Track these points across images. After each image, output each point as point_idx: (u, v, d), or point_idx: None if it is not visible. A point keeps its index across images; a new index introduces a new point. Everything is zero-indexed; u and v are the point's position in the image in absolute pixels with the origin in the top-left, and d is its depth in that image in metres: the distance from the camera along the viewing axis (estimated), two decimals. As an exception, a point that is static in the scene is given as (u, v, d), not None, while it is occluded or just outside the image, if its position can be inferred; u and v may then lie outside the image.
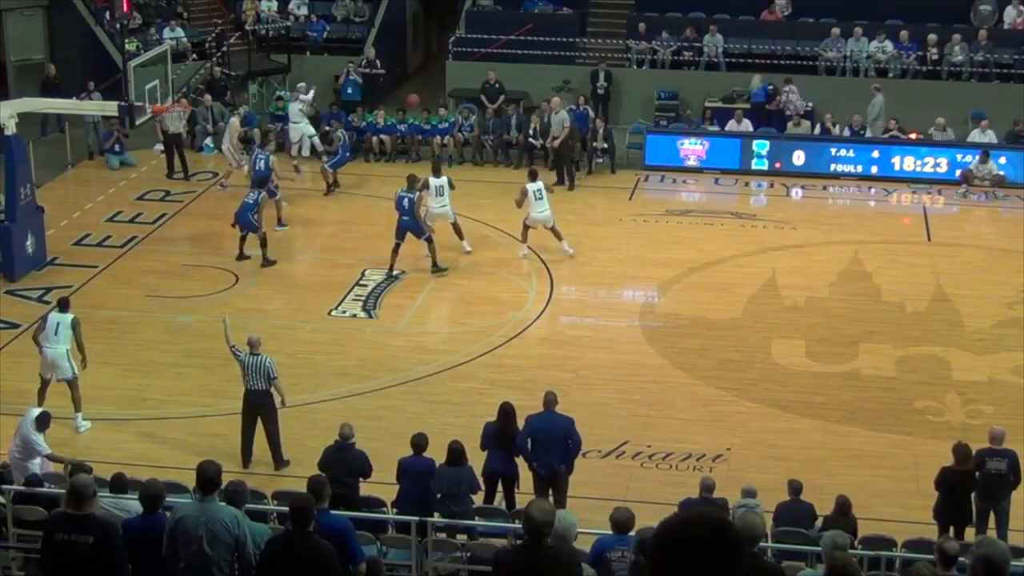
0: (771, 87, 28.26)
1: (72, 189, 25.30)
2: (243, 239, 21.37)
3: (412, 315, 19.83)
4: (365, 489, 13.50)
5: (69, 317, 16.51)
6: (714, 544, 4.19)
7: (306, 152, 26.74)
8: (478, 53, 29.52)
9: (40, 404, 16.04)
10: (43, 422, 14.21)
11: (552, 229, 21.72)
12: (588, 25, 30.53)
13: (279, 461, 15.42)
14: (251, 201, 21.25)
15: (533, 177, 21.85)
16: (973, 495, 13.58)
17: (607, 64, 28.71)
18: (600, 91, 28.31)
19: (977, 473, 13.57)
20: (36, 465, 13.85)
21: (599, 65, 28.62)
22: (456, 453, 13.47)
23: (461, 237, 21.80)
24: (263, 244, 21.22)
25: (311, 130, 26.49)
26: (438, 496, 13.29)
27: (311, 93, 26.78)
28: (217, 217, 22.96)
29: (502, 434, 14.03)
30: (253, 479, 14.00)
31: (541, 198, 21.47)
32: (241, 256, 21.42)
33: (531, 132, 26.59)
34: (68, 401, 16.47)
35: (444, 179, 21.66)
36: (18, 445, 14.00)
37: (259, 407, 15.37)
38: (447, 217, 21.68)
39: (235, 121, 25.22)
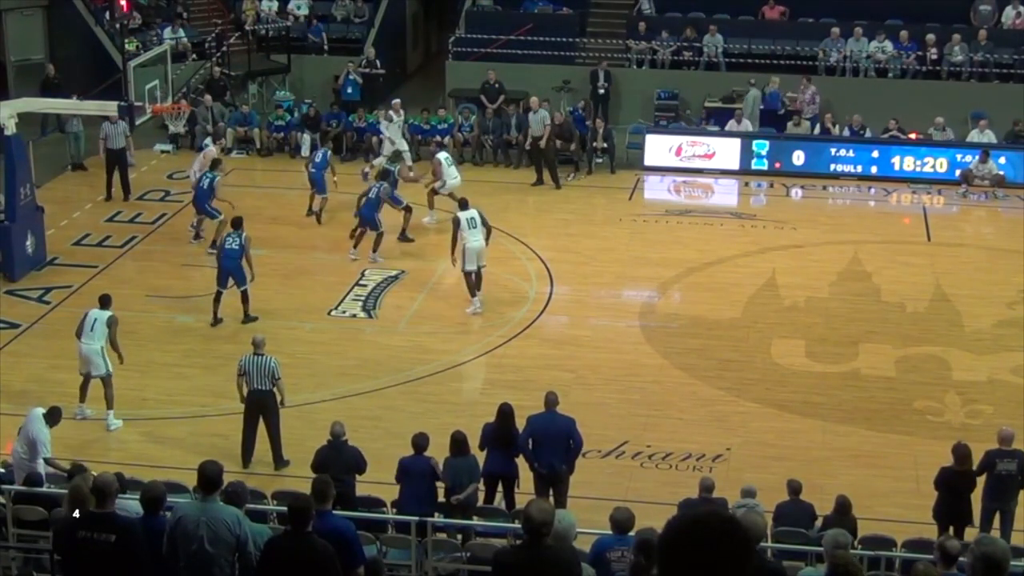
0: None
1: (72, 189, 25.29)
2: (218, 296, 19.34)
3: (412, 315, 19.83)
4: (365, 488, 13.52)
5: (106, 315, 16.56)
6: (722, 543, 4.19)
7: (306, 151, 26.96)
8: (478, 53, 29.53)
9: (82, 400, 16.57)
10: (53, 417, 14.17)
11: (477, 273, 19.58)
12: (588, 25, 30.54)
13: (279, 461, 15.44)
14: (236, 247, 19.15)
15: (464, 206, 19.97)
16: (973, 495, 13.58)
17: (607, 64, 28.72)
18: (600, 91, 28.32)
19: (986, 474, 13.57)
20: (42, 465, 13.81)
21: (599, 65, 28.63)
22: (460, 443, 13.54)
23: (473, 292, 19.72)
24: (244, 299, 19.31)
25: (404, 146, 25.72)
26: (446, 487, 13.33)
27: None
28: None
29: (501, 434, 14.04)
30: (253, 479, 14.01)
31: (475, 227, 19.53)
32: (215, 320, 19.37)
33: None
34: (69, 400, 16.46)
35: (474, 211, 19.77)
36: (24, 446, 13.93)
37: (263, 407, 15.39)
38: (482, 256, 19.58)
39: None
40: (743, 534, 4.21)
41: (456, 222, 19.50)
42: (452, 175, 22.94)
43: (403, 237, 22.40)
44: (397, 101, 26.24)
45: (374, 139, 27.21)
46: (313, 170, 23.52)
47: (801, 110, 27.42)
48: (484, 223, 19.60)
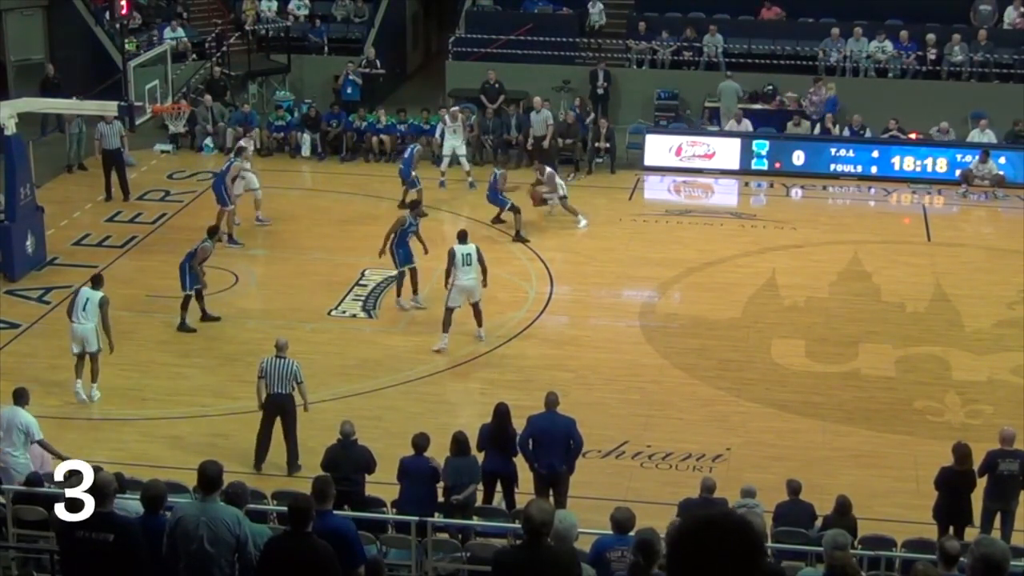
0: (770, 87, 28.27)
1: (72, 189, 25.28)
2: (198, 297, 19.30)
3: (412, 315, 19.81)
4: (365, 488, 13.51)
5: (98, 295, 16.92)
6: (732, 545, 4.18)
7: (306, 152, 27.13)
8: (478, 53, 29.53)
9: (78, 376, 16.87)
10: (23, 398, 14.02)
11: (475, 307, 18.59)
12: (588, 25, 30.54)
13: (293, 466, 15.36)
14: (192, 250, 19.20)
15: (463, 239, 18.72)
16: (974, 495, 13.58)
17: (606, 64, 28.72)
18: (600, 91, 28.33)
19: (987, 475, 13.56)
20: (26, 459, 13.65)
21: (598, 65, 28.64)
22: (461, 444, 13.54)
23: (447, 327, 18.58)
24: (183, 305, 19.01)
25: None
26: (446, 486, 13.33)
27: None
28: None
29: (498, 434, 14.04)
30: (253, 479, 14.01)
31: (469, 264, 18.42)
32: (207, 317, 19.29)
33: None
34: (69, 400, 16.61)
35: (472, 247, 18.60)
36: (10, 443, 13.74)
37: (282, 411, 15.32)
38: (473, 294, 18.52)
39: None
40: (754, 536, 4.20)
41: (451, 255, 18.33)
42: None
43: (517, 237, 22.56)
44: (456, 108, 26.28)
45: (374, 139, 27.24)
46: (402, 167, 23.75)
47: (818, 111, 27.25)
48: (480, 261, 18.41)
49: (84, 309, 16.75)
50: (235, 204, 22.29)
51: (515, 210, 22.73)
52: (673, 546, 4.24)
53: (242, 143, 23.86)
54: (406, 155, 24.12)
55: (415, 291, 19.89)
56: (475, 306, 18.56)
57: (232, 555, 8.82)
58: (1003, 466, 13.57)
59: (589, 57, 29.42)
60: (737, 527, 4.22)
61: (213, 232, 19.70)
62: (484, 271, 18.59)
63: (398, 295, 20.02)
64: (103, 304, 16.79)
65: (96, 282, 17.28)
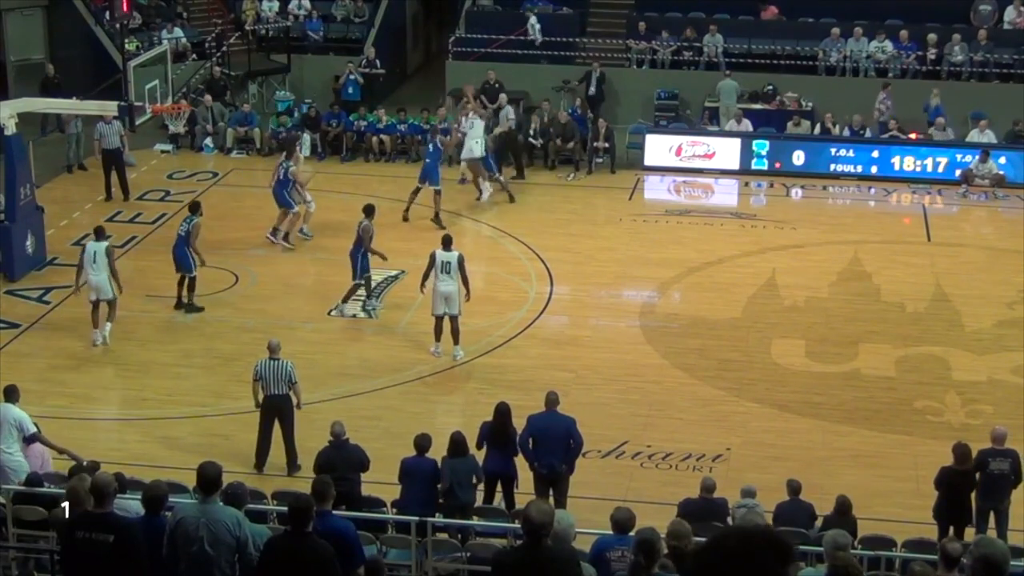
0: (770, 87, 28.28)
1: (72, 189, 25.28)
2: (180, 281, 19.66)
3: (412, 315, 19.81)
4: (365, 488, 13.51)
5: (103, 245, 18.45)
6: (760, 560, 4.15)
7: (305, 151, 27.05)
8: (478, 53, 29.53)
9: (95, 325, 18.48)
10: (13, 394, 14.00)
11: (454, 321, 18.11)
12: (588, 25, 30.55)
13: (292, 467, 15.34)
14: (183, 233, 19.53)
15: (447, 245, 18.26)
16: (973, 495, 13.58)
17: (599, 65, 28.66)
18: (591, 91, 28.30)
19: (979, 474, 13.56)
20: (21, 456, 13.64)
21: (592, 65, 28.62)
22: (459, 444, 13.54)
23: (438, 335, 18.37)
24: (190, 287, 19.56)
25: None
26: (448, 487, 13.32)
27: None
28: (217, 217, 22.89)
29: (498, 433, 14.04)
30: (253, 479, 14.01)
31: (448, 272, 17.95)
32: (179, 303, 19.71)
33: (531, 132, 26.67)
34: (69, 400, 16.59)
35: (454, 256, 18.08)
36: (3, 437, 13.63)
37: (279, 411, 15.31)
38: (452, 301, 18.01)
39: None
40: (784, 547, 4.18)
41: (431, 258, 18.04)
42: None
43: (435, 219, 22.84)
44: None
45: (374, 139, 27.22)
46: (428, 160, 23.20)
47: (886, 118, 26.98)
48: (461, 270, 17.90)
49: (95, 262, 18.25)
50: (299, 205, 22.23)
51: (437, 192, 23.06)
52: (702, 556, 4.20)
53: (300, 154, 23.54)
54: (431, 149, 23.25)
55: (345, 300, 19.79)
56: (453, 320, 18.09)
57: (232, 556, 8.82)
58: (993, 465, 13.57)
59: (589, 57, 29.41)
60: (768, 543, 4.19)
61: (195, 208, 19.84)
62: (465, 282, 18.09)
63: (345, 302, 19.78)
64: (109, 253, 18.38)
65: (99, 234, 18.73)
